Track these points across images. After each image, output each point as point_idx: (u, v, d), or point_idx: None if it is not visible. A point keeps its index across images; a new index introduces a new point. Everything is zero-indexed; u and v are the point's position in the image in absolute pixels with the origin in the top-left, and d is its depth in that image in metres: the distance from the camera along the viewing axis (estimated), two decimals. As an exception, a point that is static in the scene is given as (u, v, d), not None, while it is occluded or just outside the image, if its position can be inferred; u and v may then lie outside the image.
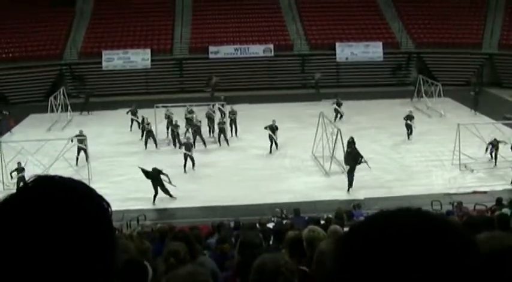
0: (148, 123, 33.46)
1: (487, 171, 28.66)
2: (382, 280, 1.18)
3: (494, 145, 29.16)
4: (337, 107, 37.98)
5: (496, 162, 29.23)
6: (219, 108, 36.62)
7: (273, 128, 32.15)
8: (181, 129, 33.84)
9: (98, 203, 1.53)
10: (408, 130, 33.75)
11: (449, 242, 1.21)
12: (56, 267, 1.39)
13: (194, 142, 31.99)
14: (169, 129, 34.21)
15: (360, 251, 1.23)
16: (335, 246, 1.31)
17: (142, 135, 34.26)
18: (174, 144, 33.15)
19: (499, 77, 49.11)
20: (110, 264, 1.50)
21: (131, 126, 36.61)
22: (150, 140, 33.32)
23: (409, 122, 33.83)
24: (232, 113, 35.33)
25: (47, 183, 1.50)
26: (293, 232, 8.27)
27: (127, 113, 37.22)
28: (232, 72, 48.80)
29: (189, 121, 34.48)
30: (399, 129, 34.30)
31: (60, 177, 1.54)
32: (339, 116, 37.75)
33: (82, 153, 30.36)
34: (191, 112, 35.32)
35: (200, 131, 33.23)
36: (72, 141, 30.49)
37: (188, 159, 29.53)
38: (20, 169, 27.17)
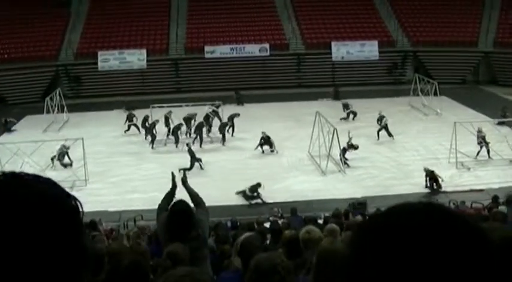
0: (155, 125, 33.69)
1: (484, 168, 28.72)
2: (398, 269, 1.21)
3: (479, 132, 29.63)
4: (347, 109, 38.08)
5: (478, 153, 29.66)
6: (214, 111, 36.51)
7: (266, 139, 31.93)
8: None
9: (62, 203, 1.42)
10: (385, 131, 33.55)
11: (464, 233, 1.25)
12: (13, 271, 1.30)
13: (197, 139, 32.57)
14: (170, 130, 34.18)
15: (379, 242, 1.25)
16: (353, 236, 1.33)
17: (146, 135, 34.34)
18: (176, 144, 33.15)
19: (495, 75, 49.22)
20: (77, 269, 1.40)
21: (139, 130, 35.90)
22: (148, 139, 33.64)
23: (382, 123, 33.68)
24: (231, 117, 35.25)
25: (7, 182, 1.40)
26: (290, 231, 8.28)
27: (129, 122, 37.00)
28: (228, 72, 48.79)
29: (187, 121, 34.51)
30: (396, 127, 34.33)
31: (27, 175, 1.43)
32: (351, 116, 37.79)
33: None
34: (190, 114, 35.23)
35: (202, 130, 33.34)
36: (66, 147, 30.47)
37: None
38: None
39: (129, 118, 36.68)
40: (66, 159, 30.34)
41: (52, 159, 30.26)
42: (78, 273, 1.40)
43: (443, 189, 26.22)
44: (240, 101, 42.33)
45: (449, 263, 1.20)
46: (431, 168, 26.90)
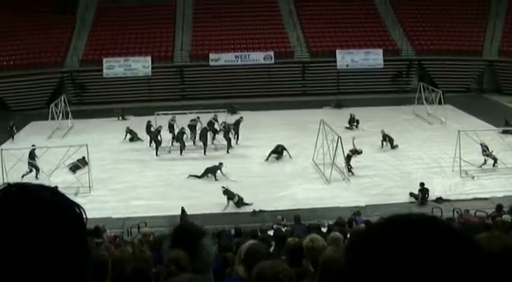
0: (159, 131, 33.71)
1: (488, 177, 28.67)
2: (392, 276, 1.24)
3: (483, 145, 29.64)
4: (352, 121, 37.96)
5: (485, 162, 29.61)
6: (215, 118, 36.36)
7: (279, 150, 32.12)
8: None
9: (67, 211, 1.48)
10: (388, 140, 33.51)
11: (455, 245, 1.28)
12: (21, 276, 1.36)
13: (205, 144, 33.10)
14: (175, 137, 34.12)
15: (373, 251, 1.29)
16: (351, 245, 1.37)
17: (150, 142, 34.35)
18: (181, 152, 33.20)
19: (499, 83, 49.15)
20: (82, 274, 1.46)
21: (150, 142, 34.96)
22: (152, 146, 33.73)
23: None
24: (235, 124, 35.24)
25: (15, 192, 1.47)
26: (293, 239, 8.28)
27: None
28: (233, 80, 48.85)
29: (192, 128, 34.59)
30: (400, 136, 34.32)
31: (33, 185, 1.50)
32: (355, 124, 37.72)
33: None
34: (194, 120, 35.34)
35: (206, 136, 33.35)
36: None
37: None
38: None
39: (131, 133, 36.47)
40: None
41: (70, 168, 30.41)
42: (84, 278, 1.45)
43: (445, 198, 26.22)
44: (233, 111, 41.73)
45: (441, 272, 1.23)
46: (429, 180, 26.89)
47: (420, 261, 1.23)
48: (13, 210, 1.40)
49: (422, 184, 26.24)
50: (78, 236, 1.46)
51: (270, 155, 31.93)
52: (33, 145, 31.11)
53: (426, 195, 26.03)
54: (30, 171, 29.51)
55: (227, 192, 26.12)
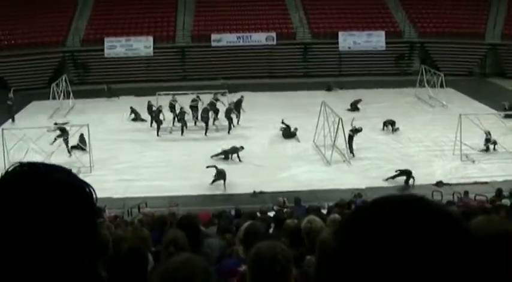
0: (160, 111, 33.65)
1: (488, 161, 28.68)
2: (378, 259, 1.24)
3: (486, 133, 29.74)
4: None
5: (488, 149, 29.73)
6: (217, 99, 36.27)
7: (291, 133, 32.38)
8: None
9: (78, 190, 1.51)
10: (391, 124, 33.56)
11: (444, 229, 1.27)
12: (30, 255, 1.39)
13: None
14: (176, 117, 34.10)
15: (360, 232, 1.29)
16: (338, 227, 1.37)
17: (151, 122, 34.31)
18: (182, 132, 33.22)
19: (502, 67, 49.01)
20: (92, 251, 1.49)
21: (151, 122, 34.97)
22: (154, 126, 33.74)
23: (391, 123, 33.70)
24: (237, 104, 35.17)
25: (26, 171, 1.50)
26: (292, 221, 8.31)
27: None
28: (235, 60, 48.74)
29: (193, 109, 34.55)
30: (401, 118, 34.27)
31: (44, 165, 1.53)
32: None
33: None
34: (195, 100, 35.31)
35: (208, 116, 33.34)
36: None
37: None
38: None
39: (135, 113, 36.50)
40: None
41: (73, 147, 30.48)
42: (91, 257, 1.49)
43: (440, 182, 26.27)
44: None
45: (428, 252, 1.23)
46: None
47: (408, 242, 1.23)
48: (26, 190, 1.43)
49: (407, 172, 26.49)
50: (90, 215, 1.51)
51: (285, 126, 32.35)
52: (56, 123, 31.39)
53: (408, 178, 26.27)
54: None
55: (219, 174, 26.10)
